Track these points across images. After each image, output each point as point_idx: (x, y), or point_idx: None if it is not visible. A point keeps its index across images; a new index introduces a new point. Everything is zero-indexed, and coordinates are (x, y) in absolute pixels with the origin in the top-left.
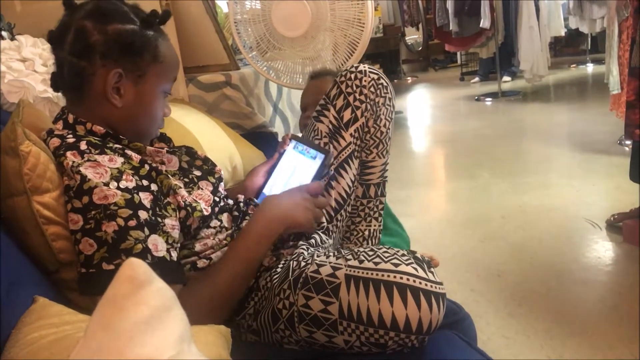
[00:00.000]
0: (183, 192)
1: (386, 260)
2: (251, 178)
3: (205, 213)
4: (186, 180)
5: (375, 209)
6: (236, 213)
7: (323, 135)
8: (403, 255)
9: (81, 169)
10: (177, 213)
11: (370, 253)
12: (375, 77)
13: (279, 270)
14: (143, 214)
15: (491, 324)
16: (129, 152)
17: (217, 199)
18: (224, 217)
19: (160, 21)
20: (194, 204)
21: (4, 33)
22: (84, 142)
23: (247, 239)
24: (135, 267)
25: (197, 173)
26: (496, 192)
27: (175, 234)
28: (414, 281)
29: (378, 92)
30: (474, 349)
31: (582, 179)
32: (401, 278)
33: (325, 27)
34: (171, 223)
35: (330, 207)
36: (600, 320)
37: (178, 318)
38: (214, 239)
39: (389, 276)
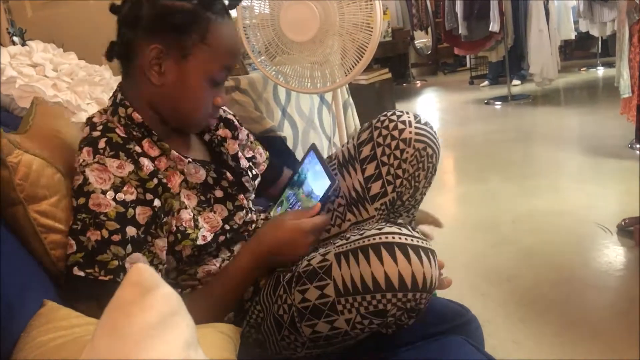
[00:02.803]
0: (184, 214)
1: (370, 228)
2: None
3: (200, 242)
4: (202, 198)
5: None
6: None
7: (340, 195)
8: (386, 222)
9: (86, 169)
10: (167, 237)
11: (356, 230)
12: (421, 146)
13: (266, 284)
14: (131, 231)
15: (501, 328)
16: (143, 160)
17: (228, 228)
18: (237, 247)
19: (230, 5)
20: (188, 231)
21: (15, 38)
22: (104, 140)
23: (232, 279)
24: (142, 273)
25: (219, 194)
26: (506, 196)
27: (163, 255)
28: (400, 238)
29: (421, 165)
30: (483, 354)
31: (592, 182)
32: (386, 237)
33: (334, 31)
34: (161, 244)
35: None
36: (611, 326)
37: (184, 323)
38: (219, 267)
39: (374, 239)
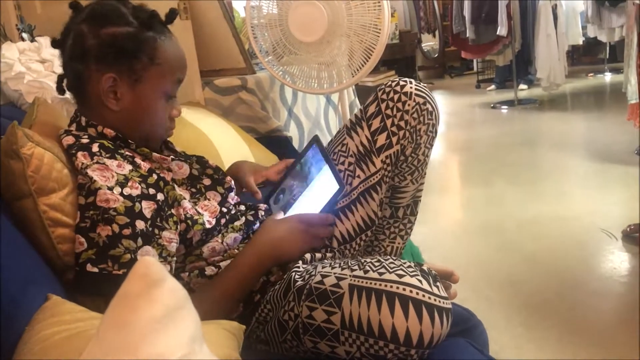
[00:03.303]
0: (186, 203)
1: (391, 270)
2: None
3: (208, 226)
4: (193, 190)
5: (402, 227)
6: (251, 218)
7: (350, 154)
8: (409, 267)
9: (88, 170)
10: (178, 226)
11: (377, 264)
12: (421, 101)
13: (279, 284)
14: (140, 224)
15: (503, 333)
16: (138, 160)
17: (225, 210)
18: (237, 223)
19: (166, 21)
20: (195, 217)
21: (24, 35)
22: (97, 144)
23: (236, 273)
24: (148, 266)
25: (207, 182)
26: (511, 200)
27: (172, 247)
28: (417, 293)
29: (421, 118)
30: (486, 357)
31: (598, 188)
32: (404, 289)
33: (342, 32)
34: (169, 236)
35: (351, 230)
36: (614, 332)
37: (190, 318)
38: (222, 242)
39: (391, 287)
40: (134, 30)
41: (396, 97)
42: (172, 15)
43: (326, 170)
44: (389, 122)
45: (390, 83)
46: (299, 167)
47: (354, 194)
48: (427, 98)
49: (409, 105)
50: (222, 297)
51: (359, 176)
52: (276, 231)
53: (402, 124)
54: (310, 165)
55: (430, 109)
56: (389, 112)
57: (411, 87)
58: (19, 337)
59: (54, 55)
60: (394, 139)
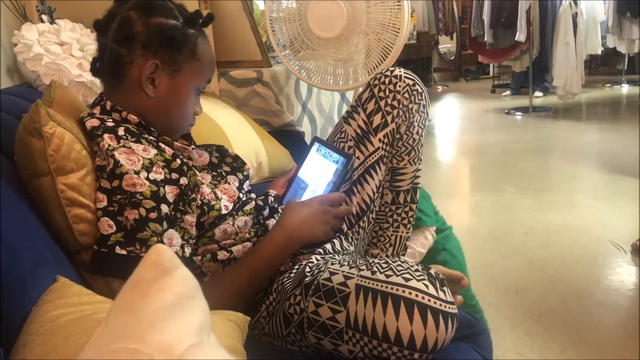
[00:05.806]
0: (204, 189)
1: (398, 273)
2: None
3: (224, 211)
4: (214, 173)
5: (404, 216)
6: (260, 203)
7: (349, 139)
8: (416, 270)
9: (115, 153)
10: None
11: (384, 265)
12: (411, 82)
13: (292, 275)
14: (165, 208)
15: (507, 340)
16: (162, 144)
17: (241, 195)
18: (247, 206)
19: (204, 22)
20: (212, 203)
21: (44, 16)
22: (122, 128)
23: (265, 252)
24: (161, 253)
25: (227, 169)
26: (520, 207)
27: (193, 230)
28: (423, 298)
29: (412, 98)
30: None
31: (608, 200)
32: (410, 293)
33: (360, 30)
34: (191, 220)
35: (352, 214)
36: (619, 346)
37: (200, 307)
38: (233, 225)
39: (397, 290)
40: (179, 24)
41: (387, 80)
42: (208, 18)
43: (330, 154)
44: (382, 103)
45: (380, 71)
46: (302, 166)
47: (354, 176)
48: (416, 80)
49: (399, 86)
50: (250, 275)
51: (358, 157)
52: (301, 213)
53: (395, 103)
54: (313, 159)
55: (419, 90)
56: (381, 94)
57: (400, 71)
58: (26, 316)
59: (72, 39)
60: (389, 118)
